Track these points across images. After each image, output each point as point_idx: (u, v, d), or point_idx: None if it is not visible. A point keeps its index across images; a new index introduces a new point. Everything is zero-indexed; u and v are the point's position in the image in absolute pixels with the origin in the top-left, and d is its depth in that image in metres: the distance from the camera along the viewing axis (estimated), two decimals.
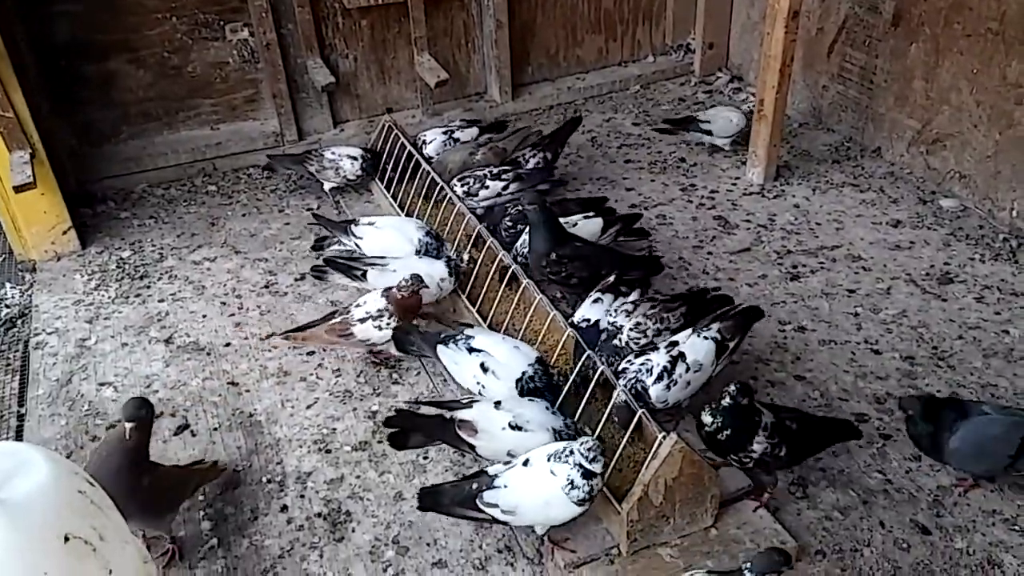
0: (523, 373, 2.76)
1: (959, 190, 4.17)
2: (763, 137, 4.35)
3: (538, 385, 2.77)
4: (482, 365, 2.80)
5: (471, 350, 2.85)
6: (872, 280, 3.70)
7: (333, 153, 4.29)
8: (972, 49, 3.93)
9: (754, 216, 4.20)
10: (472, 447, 2.57)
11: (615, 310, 3.07)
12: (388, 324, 3.12)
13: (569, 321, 3.08)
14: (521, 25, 5.18)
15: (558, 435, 2.53)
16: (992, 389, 3.11)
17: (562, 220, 3.53)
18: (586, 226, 3.65)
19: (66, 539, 1.67)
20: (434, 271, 3.36)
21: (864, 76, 4.59)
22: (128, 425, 2.36)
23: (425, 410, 2.86)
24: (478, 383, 2.81)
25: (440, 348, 2.91)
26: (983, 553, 2.54)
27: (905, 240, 3.95)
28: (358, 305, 3.18)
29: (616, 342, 2.98)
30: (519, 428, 2.52)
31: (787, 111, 4.45)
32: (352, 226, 3.70)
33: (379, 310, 3.12)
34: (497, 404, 2.60)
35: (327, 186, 4.34)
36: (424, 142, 4.40)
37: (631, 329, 2.95)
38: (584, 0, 5.33)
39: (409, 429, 2.70)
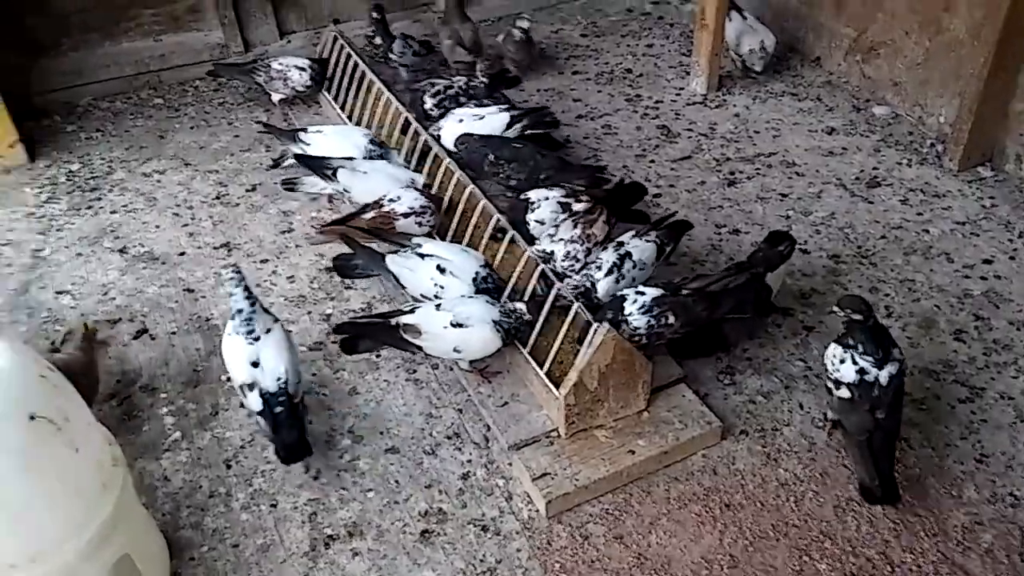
0: (477, 273, 2.90)
1: (891, 98, 4.33)
2: (706, 47, 4.44)
3: (489, 286, 2.91)
4: (439, 267, 2.91)
5: (422, 256, 2.96)
6: (804, 185, 3.87)
7: (281, 63, 4.28)
8: None
9: (696, 125, 4.32)
10: (419, 347, 2.72)
11: (544, 234, 3.16)
12: (428, 221, 3.27)
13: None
14: None
15: (498, 326, 2.68)
16: (910, 284, 3.33)
17: (471, 112, 3.80)
18: (490, 121, 3.78)
19: (32, 418, 1.80)
20: (402, 176, 3.47)
21: None
22: None
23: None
24: (436, 284, 2.91)
25: (389, 258, 2.99)
26: None
27: (838, 147, 4.12)
28: (393, 200, 3.26)
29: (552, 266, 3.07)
30: (460, 325, 2.66)
31: None
32: (300, 134, 3.75)
33: (422, 206, 3.25)
34: (437, 306, 2.74)
35: (275, 98, 4.35)
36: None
37: (563, 259, 3.03)
38: None
39: (358, 336, 2.85)
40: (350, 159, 3.54)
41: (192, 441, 2.75)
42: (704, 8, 4.31)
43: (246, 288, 2.54)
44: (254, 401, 2.52)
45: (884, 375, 2.48)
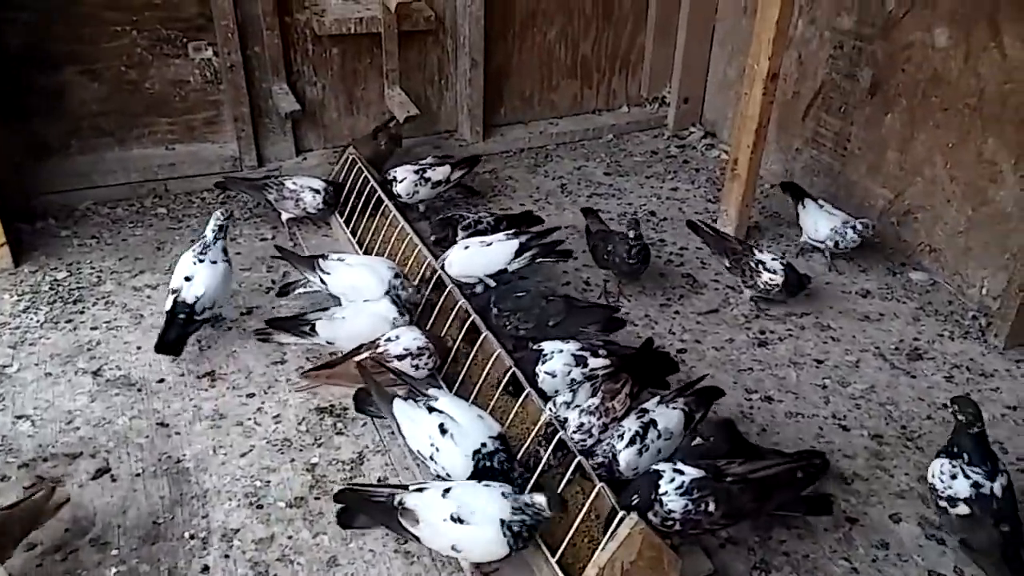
0: (482, 445, 2.54)
1: (929, 264, 4.12)
2: (735, 197, 4.28)
3: (494, 465, 2.54)
4: (441, 426, 2.57)
5: (431, 410, 2.65)
6: (841, 351, 3.60)
7: (295, 184, 4.10)
8: (949, 123, 3.90)
9: (723, 276, 4.09)
10: (416, 537, 2.37)
11: (558, 395, 2.87)
12: (427, 364, 3.00)
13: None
14: (497, 66, 5.08)
15: (507, 527, 2.28)
16: None
17: (479, 239, 3.66)
18: (498, 248, 3.62)
19: None
20: (384, 312, 3.20)
21: (838, 142, 4.56)
22: None
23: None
24: (432, 445, 2.58)
25: (397, 402, 2.70)
26: None
27: (874, 312, 3.87)
28: (390, 340, 3.01)
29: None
30: (461, 520, 2.30)
31: (759, 172, 4.38)
32: (320, 261, 3.47)
33: (420, 348, 2.99)
34: (446, 491, 2.37)
35: (284, 216, 4.15)
36: (395, 179, 4.23)
37: (575, 431, 2.73)
38: (562, 45, 5.26)
39: (356, 509, 2.53)
40: (325, 309, 3.30)
41: None
42: (736, 157, 4.17)
43: (223, 230, 3.30)
44: (168, 302, 3.21)
45: (998, 486, 2.51)
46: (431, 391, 2.72)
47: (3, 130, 4.06)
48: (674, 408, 2.76)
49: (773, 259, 3.74)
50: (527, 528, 2.30)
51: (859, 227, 4.00)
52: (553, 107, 5.44)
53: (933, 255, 4.09)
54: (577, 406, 2.76)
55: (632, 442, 2.62)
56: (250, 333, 3.48)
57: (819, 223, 4.12)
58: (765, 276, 3.69)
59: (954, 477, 2.53)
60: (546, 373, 3.00)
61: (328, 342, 3.19)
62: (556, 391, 2.93)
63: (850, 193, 4.53)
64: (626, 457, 2.61)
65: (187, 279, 3.22)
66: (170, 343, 3.17)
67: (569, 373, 3.00)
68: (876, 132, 4.31)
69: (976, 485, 2.50)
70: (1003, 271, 3.71)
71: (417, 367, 2.99)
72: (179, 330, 3.19)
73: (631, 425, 2.67)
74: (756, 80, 3.97)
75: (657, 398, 2.82)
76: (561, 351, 3.04)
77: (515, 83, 5.24)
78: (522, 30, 5.09)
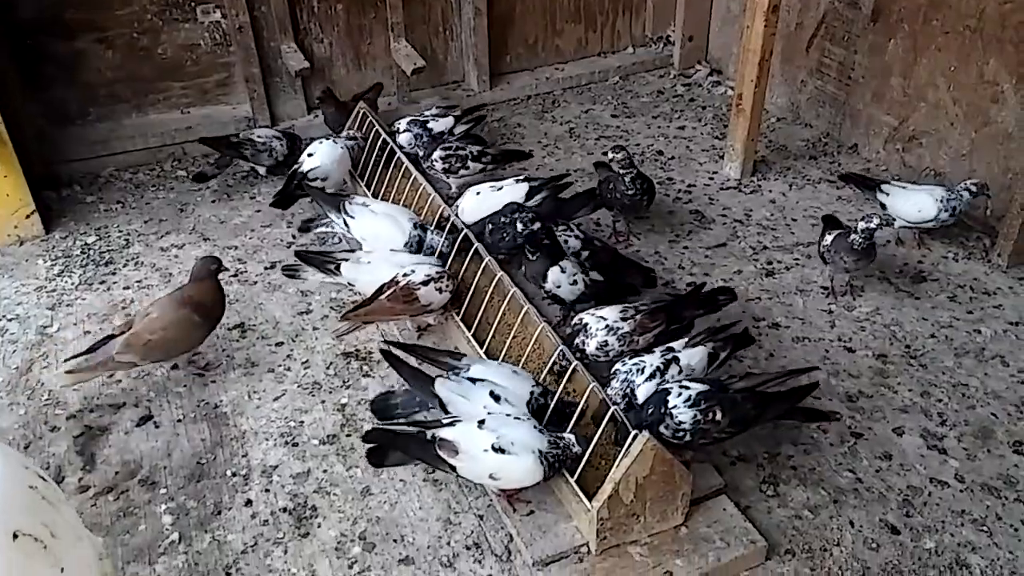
0: (531, 394, 2.69)
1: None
2: (741, 131, 4.33)
3: (543, 402, 2.70)
4: (491, 393, 2.67)
5: (473, 380, 2.73)
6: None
7: (260, 136, 4.26)
8: (950, 46, 3.93)
9: (730, 211, 4.18)
10: (452, 468, 2.49)
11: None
12: (447, 286, 3.18)
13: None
14: (500, 13, 5.11)
15: (543, 456, 2.42)
16: (963, 389, 3.11)
17: (489, 184, 3.81)
18: (509, 192, 3.75)
19: (15, 536, 1.61)
20: (409, 261, 3.31)
21: (842, 72, 4.58)
22: None
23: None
24: (490, 413, 2.65)
25: (439, 382, 2.72)
26: (951, 554, 2.54)
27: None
28: (407, 273, 3.15)
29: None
30: (502, 451, 2.42)
31: (765, 105, 4.43)
32: (346, 203, 3.57)
33: (438, 272, 3.18)
34: (481, 423, 2.49)
35: (261, 171, 4.34)
36: (398, 130, 4.32)
37: (596, 349, 2.87)
38: None
39: (388, 446, 2.66)
40: (352, 251, 3.43)
41: (190, 544, 2.54)
42: (741, 92, 4.21)
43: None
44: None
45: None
46: (462, 362, 2.84)
47: (24, 100, 4.18)
48: (699, 347, 2.85)
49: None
50: (559, 460, 2.45)
51: (973, 188, 3.61)
52: (558, 52, 5.48)
53: (938, 179, 4.14)
54: (603, 317, 2.90)
55: (652, 376, 2.71)
56: (276, 286, 3.63)
57: (922, 203, 3.65)
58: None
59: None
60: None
61: (350, 283, 3.32)
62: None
63: (855, 122, 4.57)
64: (645, 391, 2.68)
65: (309, 155, 3.91)
66: (281, 199, 3.89)
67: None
68: (879, 59, 4.33)
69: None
70: (1006, 191, 3.76)
71: (440, 290, 3.14)
72: (290, 191, 3.88)
73: (653, 360, 2.75)
74: (757, 13, 4.00)
75: (685, 339, 2.89)
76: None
77: (519, 30, 5.27)
78: None
